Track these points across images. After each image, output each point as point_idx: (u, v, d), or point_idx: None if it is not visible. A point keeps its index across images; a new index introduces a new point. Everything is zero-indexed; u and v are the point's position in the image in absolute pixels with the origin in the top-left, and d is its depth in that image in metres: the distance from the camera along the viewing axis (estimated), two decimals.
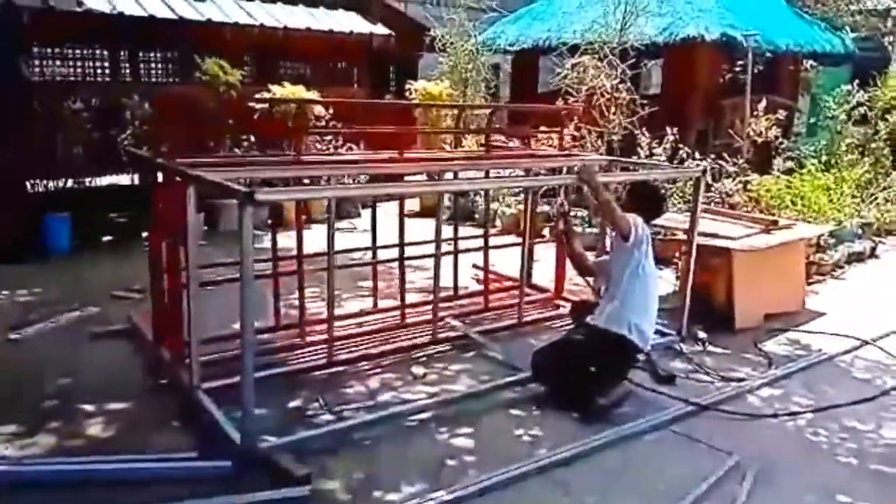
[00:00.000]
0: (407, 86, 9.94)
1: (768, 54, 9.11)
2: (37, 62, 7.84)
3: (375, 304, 5.19)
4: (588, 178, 3.98)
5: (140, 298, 5.32)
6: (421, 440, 3.54)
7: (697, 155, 7.49)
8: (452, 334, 4.84)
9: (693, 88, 9.28)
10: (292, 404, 3.85)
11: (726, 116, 9.19)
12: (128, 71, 8.64)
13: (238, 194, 2.89)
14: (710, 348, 4.91)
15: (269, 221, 4.95)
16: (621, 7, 7.76)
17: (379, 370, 4.36)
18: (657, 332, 4.95)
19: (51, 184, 7.20)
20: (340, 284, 5.76)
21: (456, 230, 5.50)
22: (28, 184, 7.08)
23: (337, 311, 5.35)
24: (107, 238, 7.49)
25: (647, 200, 4.22)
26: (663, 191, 5.51)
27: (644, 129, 7.72)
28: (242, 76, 8.21)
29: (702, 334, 5.01)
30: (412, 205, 8.81)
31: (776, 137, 7.96)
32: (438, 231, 4.48)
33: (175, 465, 3.10)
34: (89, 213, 7.27)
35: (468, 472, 3.23)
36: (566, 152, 5.52)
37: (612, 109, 7.65)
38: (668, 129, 7.55)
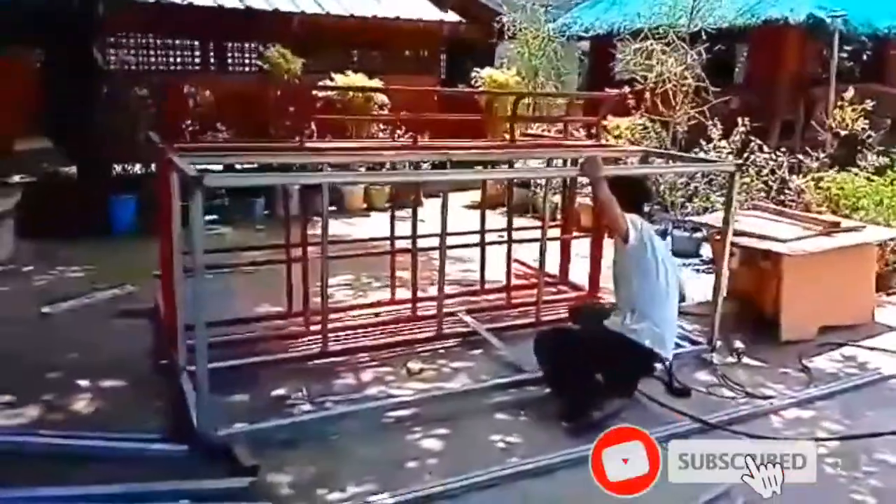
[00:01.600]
0: (473, 74, 9.75)
1: (864, 38, 8.19)
2: (111, 51, 8.28)
3: (393, 295, 5.09)
4: (590, 172, 3.69)
5: None
6: (390, 438, 3.42)
7: (769, 148, 6.84)
8: (462, 329, 4.67)
9: (778, 76, 8.49)
10: (276, 392, 3.82)
11: (818, 106, 8.38)
12: (191, 60, 8.97)
13: (189, 178, 2.87)
14: (746, 360, 4.47)
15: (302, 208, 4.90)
16: None
17: (376, 363, 4.26)
18: (686, 339, 4.59)
19: (119, 167, 7.60)
20: (374, 272, 5.73)
21: (483, 221, 5.31)
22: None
23: (357, 301, 5.36)
24: None
25: (625, 189, 3.74)
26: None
27: (716, 118, 7.16)
28: (304, 65, 8.32)
29: (739, 344, 4.57)
30: (474, 196, 8.65)
31: (863, 129, 7.14)
32: (444, 222, 4.30)
33: (132, 446, 3.15)
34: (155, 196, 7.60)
35: (423, 477, 3.08)
36: (597, 143, 5.17)
37: (679, 97, 7.15)
38: (740, 121, 6.95)
